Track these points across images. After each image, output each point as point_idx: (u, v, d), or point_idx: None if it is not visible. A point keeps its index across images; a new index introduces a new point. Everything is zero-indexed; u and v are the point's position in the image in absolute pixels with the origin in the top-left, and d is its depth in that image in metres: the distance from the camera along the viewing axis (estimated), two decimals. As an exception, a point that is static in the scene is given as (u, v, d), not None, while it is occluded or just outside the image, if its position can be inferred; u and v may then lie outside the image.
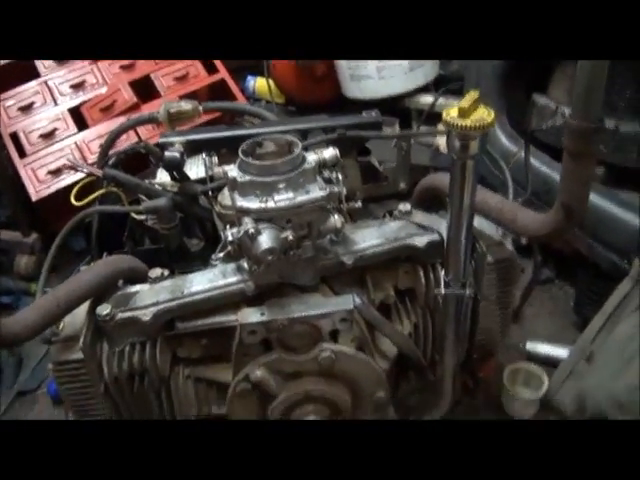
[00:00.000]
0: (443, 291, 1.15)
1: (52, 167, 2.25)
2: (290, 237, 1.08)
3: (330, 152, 1.17)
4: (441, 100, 2.54)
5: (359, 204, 1.27)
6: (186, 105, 1.48)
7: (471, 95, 1.00)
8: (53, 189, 2.23)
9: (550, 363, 1.75)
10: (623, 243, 1.68)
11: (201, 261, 1.30)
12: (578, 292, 1.92)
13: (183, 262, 1.36)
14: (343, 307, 1.14)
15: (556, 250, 1.92)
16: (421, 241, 1.23)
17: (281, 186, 1.08)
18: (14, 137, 2.36)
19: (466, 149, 1.00)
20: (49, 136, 2.36)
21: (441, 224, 1.23)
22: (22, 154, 2.32)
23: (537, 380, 1.67)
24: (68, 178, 2.21)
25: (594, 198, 1.69)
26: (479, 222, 1.24)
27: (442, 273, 1.18)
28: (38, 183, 2.25)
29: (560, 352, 1.76)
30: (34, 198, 2.24)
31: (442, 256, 1.20)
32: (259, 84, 3.20)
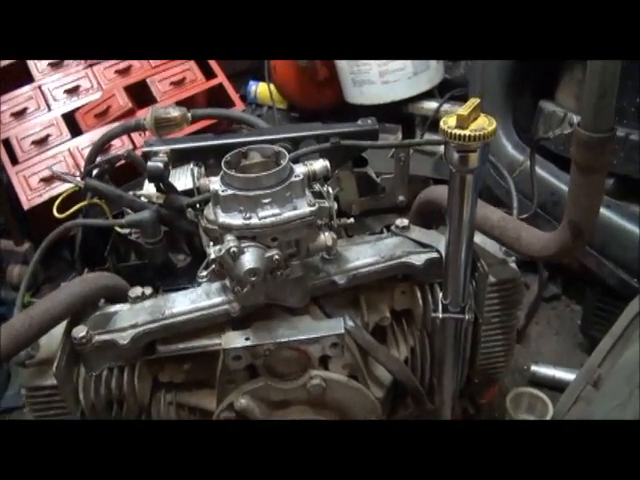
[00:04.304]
0: (441, 315, 1.07)
1: (44, 175, 2.18)
2: (276, 256, 1.00)
3: (320, 164, 1.09)
4: (446, 106, 2.47)
5: (351, 220, 1.19)
6: (174, 112, 1.40)
7: (471, 102, 0.91)
8: (45, 197, 2.17)
9: (556, 387, 1.67)
10: (633, 260, 1.59)
11: (188, 278, 1.23)
12: (585, 311, 1.84)
13: (169, 278, 1.29)
14: (334, 331, 1.06)
15: (563, 265, 1.84)
16: (419, 259, 1.15)
17: (266, 201, 1.00)
18: (6, 143, 2.30)
19: (465, 162, 0.91)
20: (42, 143, 2.30)
21: (440, 241, 1.15)
22: (14, 161, 2.27)
23: (542, 405, 1.59)
24: (60, 187, 2.14)
25: (603, 211, 1.60)
26: (481, 239, 1.17)
27: (440, 295, 1.11)
28: (30, 191, 2.19)
29: (566, 376, 1.68)
30: (26, 207, 2.18)
31: (441, 275, 1.12)
32: (261, 90, 3.14)
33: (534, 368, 1.77)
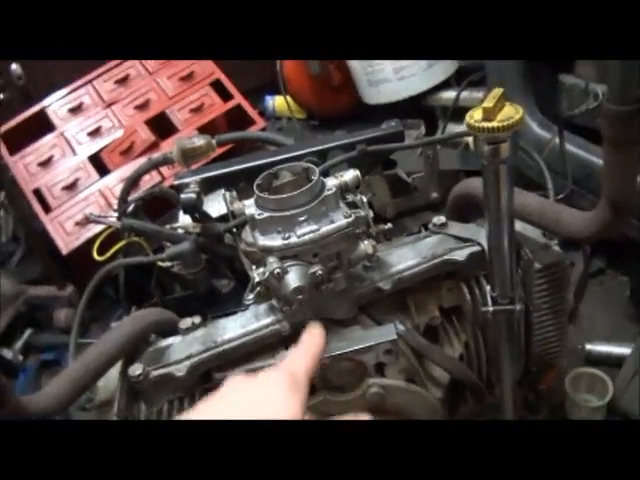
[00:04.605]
0: (491, 308, 1.06)
1: (78, 218, 2.23)
2: (319, 272, 1.01)
3: (351, 174, 1.09)
4: (464, 94, 2.45)
5: (389, 225, 1.18)
6: (199, 141, 1.42)
7: (494, 92, 0.90)
8: (82, 240, 2.21)
9: (612, 363, 1.64)
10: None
11: (234, 302, 1.24)
12: (633, 281, 1.80)
13: (216, 305, 1.30)
14: (386, 338, 1.06)
15: (604, 238, 1.81)
16: (461, 255, 1.14)
17: (302, 218, 1.00)
18: (37, 193, 2.35)
19: (497, 153, 0.90)
20: (72, 187, 2.35)
21: (480, 233, 1.14)
22: (47, 209, 2.31)
23: (601, 384, 1.57)
24: (96, 227, 2.18)
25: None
26: (521, 226, 1.15)
27: (488, 287, 1.10)
28: (66, 236, 2.24)
29: (621, 350, 1.65)
30: (64, 251, 2.22)
31: (485, 267, 1.11)
32: (278, 103, 3.16)
33: (589, 347, 1.74)
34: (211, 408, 0.73)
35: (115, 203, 2.16)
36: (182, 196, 1.23)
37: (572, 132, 1.82)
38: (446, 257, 1.14)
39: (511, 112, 0.88)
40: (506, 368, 1.15)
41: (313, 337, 0.90)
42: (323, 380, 1.09)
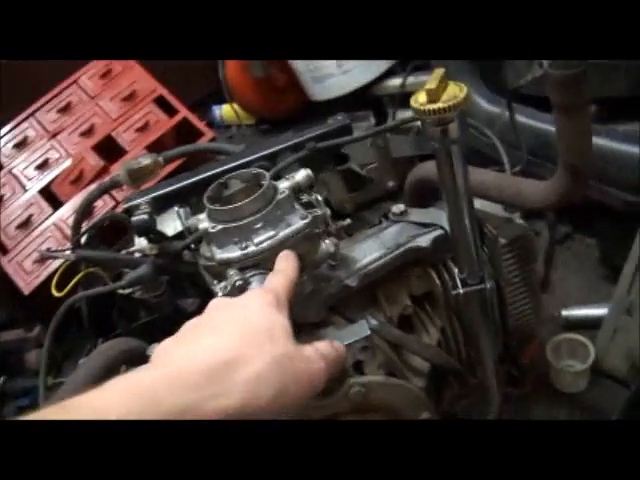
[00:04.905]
0: (462, 290, 1.04)
1: (36, 256, 2.17)
2: (283, 278, 0.98)
3: (302, 174, 1.07)
4: (410, 79, 2.43)
5: (348, 221, 1.16)
6: (145, 160, 1.38)
7: (436, 73, 0.89)
8: (43, 277, 2.15)
9: (591, 326, 1.64)
10: (634, 179, 1.56)
11: (202, 320, 1.21)
12: (600, 242, 1.81)
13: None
14: (360, 335, 1.02)
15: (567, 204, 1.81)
16: (425, 240, 1.12)
17: (258, 226, 0.98)
18: (-10, 236, 2.28)
19: (446, 134, 0.89)
20: (26, 224, 2.28)
21: (442, 217, 1.12)
22: (4, 251, 2.24)
23: (582, 348, 1.57)
24: (55, 263, 2.12)
25: (594, 140, 1.57)
26: (480, 204, 1.14)
27: (456, 270, 1.08)
28: (26, 275, 2.17)
29: (598, 312, 1.65)
30: (26, 291, 2.15)
31: (451, 250, 1.10)
32: (225, 111, 3.11)
33: (565, 313, 1.73)
34: (199, 330, 0.74)
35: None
36: (133, 219, 1.19)
37: (521, 103, 1.82)
38: (410, 245, 1.13)
39: (455, 91, 0.87)
40: (485, 347, 1.14)
41: (287, 261, 0.91)
42: (302, 387, 1.06)
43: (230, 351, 0.67)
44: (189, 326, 0.77)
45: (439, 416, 1.18)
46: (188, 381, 0.63)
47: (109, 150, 2.40)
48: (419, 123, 0.96)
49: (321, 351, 0.77)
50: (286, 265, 0.90)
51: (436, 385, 1.25)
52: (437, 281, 1.15)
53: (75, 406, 0.60)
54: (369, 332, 1.03)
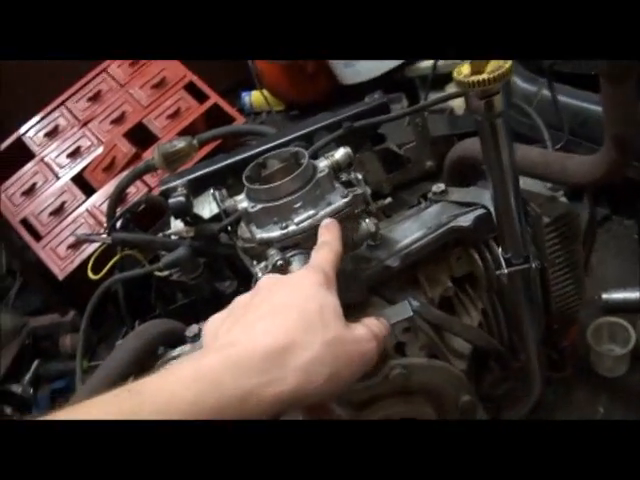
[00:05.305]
0: (506, 270, 1.02)
1: (70, 242, 2.19)
2: (323, 257, 0.96)
3: (341, 152, 1.04)
4: (441, 61, 2.40)
5: (388, 200, 1.14)
6: (179, 143, 1.37)
7: (478, 47, 0.86)
8: (77, 263, 2.18)
9: (631, 309, 1.61)
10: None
11: (239, 302, 1.20)
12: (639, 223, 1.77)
13: (220, 308, 1.26)
14: (402, 316, 1.01)
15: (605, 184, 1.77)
16: (467, 220, 1.10)
17: (298, 205, 0.96)
18: (25, 223, 2.31)
19: (491, 106, 0.86)
20: (59, 211, 2.31)
21: (483, 196, 1.10)
22: (37, 237, 2.27)
23: (623, 332, 1.53)
24: (89, 248, 2.13)
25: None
26: (522, 181, 1.11)
27: (499, 250, 1.05)
28: (60, 261, 2.19)
29: (638, 295, 1.61)
30: (61, 277, 2.18)
31: (494, 230, 1.07)
32: (255, 98, 3.11)
33: (605, 296, 1.70)
34: (254, 311, 0.73)
35: (105, 221, 2.13)
36: (170, 201, 1.18)
37: (557, 81, 1.78)
38: (451, 224, 1.10)
39: (499, 62, 0.84)
40: (528, 330, 1.11)
41: (331, 232, 0.89)
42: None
43: (288, 336, 0.67)
44: (240, 304, 0.76)
45: (479, 399, 1.17)
46: (250, 365, 0.63)
47: (141, 137, 2.42)
48: (454, 103, 0.94)
49: (372, 328, 0.76)
50: (331, 237, 0.88)
51: (477, 368, 1.23)
52: (479, 262, 1.13)
53: (139, 390, 0.61)
54: (411, 313, 1.02)
